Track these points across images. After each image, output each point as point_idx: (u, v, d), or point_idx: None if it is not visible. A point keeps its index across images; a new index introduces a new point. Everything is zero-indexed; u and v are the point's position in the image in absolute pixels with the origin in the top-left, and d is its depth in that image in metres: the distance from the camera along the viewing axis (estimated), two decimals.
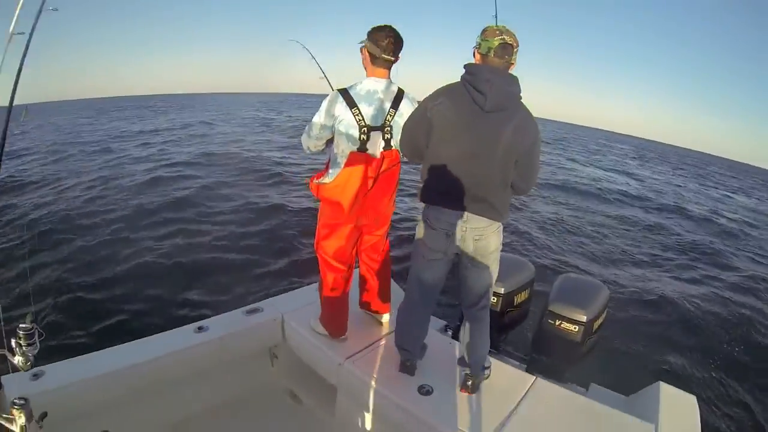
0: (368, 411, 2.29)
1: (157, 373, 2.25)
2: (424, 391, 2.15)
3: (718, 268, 8.12)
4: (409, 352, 2.23)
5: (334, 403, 2.52)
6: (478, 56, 1.87)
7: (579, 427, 2.04)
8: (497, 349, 3.00)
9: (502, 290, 2.85)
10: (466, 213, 1.90)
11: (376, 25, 2.09)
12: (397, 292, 2.78)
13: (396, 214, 2.60)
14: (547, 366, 2.70)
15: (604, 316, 2.98)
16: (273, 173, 11.46)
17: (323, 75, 2.78)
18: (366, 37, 2.08)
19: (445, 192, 1.92)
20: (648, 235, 9.97)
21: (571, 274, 3.30)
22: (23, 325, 1.13)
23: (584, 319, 2.72)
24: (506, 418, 2.01)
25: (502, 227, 2.00)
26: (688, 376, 4.22)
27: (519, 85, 1.84)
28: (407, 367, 2.24)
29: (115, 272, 5.48)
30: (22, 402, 1.09)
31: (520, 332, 3.23)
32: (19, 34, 1.22)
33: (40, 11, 1.19)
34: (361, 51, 2.12)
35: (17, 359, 1.13)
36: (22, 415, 1.09)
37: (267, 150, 15.30)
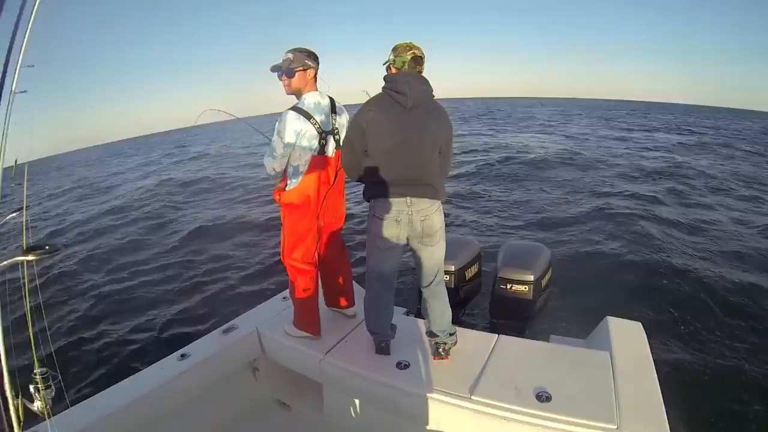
0: (354, 396, 2.46)
1: (152, 409, 2.29)
2: (402, 366, 2.33)
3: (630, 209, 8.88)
4: (381, 334, 2.42)
5: (321, 400, 2.66)
6: (393, 70, 2.14)
7: (544, 368, 2.25)
8: (459, 323, 3.21)
9: (452, 268, 3.10)
10: (409, 198, 2.11)
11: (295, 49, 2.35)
12: (358, 289, 2.94)
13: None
14: (508, 327, 2.91)
15: (550, 273, 3.26)
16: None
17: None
18: (294, 61, 2.31)
19: (388, 182, 2.13)
20: (574, 192, 10.59)
21: (512, 241, 3.54)
22: (38, 370, 1.14)
23: (532, 278, 2.99)
24: (479, 374, 2.21)
25: (441, 206, 2.24)
26: (633, 307, 4.58)
27: (431, 85, 2.13)
28: (383, 348, 2.43)
29: (91, 309, 5.75)
30: None
31: (478, 304, 3.43)
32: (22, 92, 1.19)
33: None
34: (292, 74, 2.33)
35: (36, 405, 1.14)
36: None
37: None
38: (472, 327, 3.04)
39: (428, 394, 2.14)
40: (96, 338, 4.99)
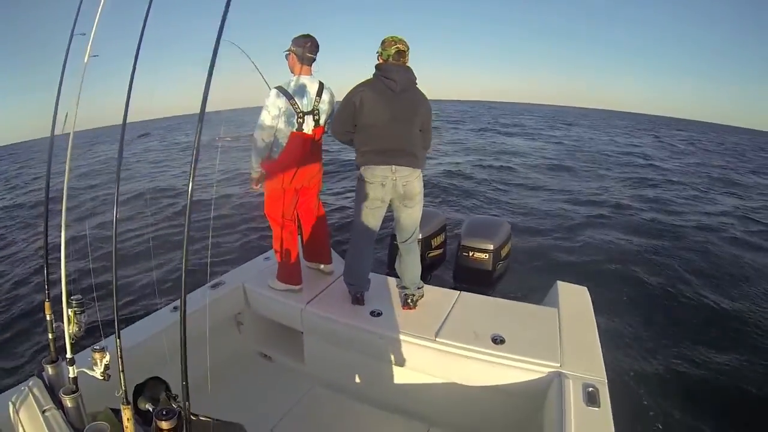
0: (332, 341, 2.73)
1: (149, 353, 2.45)
2: (375, 313, 2.63)
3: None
4: (357, 286, 2.73)
5: (302, 351, 2.92)
6: (381, 60, 2.48)
7: (499, 318, 2.56)
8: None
9: (420, 236, 3.26)
10: (394, 166, 2.44)
11: (297, 35, 2.62)
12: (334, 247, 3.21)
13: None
14: (469, 291, 3.11)
15: (509, 244, 3.54)
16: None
17: (256, 68, 2.97)
18: (291, 44, 2.61)
19: (376, 152, 2.46)
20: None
21: (476, 215, 3.77)
22: (75, 297, 1.31)
23: (491, 247, 3.27)
24: (443, 322, 2.53)
25: (422, 174, 2.58)
26: (585, 273, 5.22)
27: (414, 74, 2.49)
28: (358, 299, 2.74)
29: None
30: (101, 347, 1.27)
31: (444, 271, 3.65)
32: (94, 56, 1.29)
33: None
34: (288, 57, 2.65)
35: (72, 328, 1.31)
36: (105, 356, 1.26)
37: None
38: None
39: (398, 337, 2.44)
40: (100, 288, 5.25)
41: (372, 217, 2.58)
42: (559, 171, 13.44)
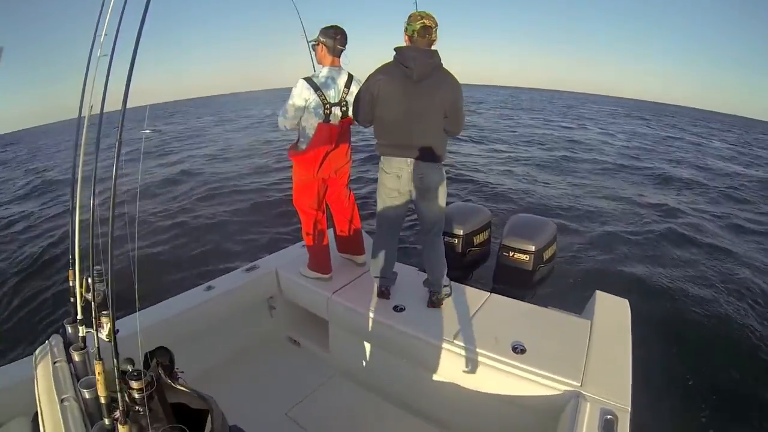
0: (355, 332, 2.76)
1: (180, 328, 2.63)
2: (399, 309, 2.62)
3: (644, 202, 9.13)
4: (383, 279, 2.73)
5: (327, 339, 2.98)
6: (406, 38, 2.35)
7: (525, 325, 2.47)
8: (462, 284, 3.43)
9: (461, 232, 3.31)
10: (410, 158, 2.39)
11: (325, 26, 2.64)
12: (368, 239, 3.23)
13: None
14: (507, 293, 3.02)
15: (554, 247, 3.40)
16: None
17: (304, 34, 2.99)
18: (320, 35, 2.63)
19: (392, 144, 2.43)
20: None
21: (521, 213, 3.66)
22: (97, 267, 1.39)
23: (533, 248, 3.16)
24: (465, 324, 2.48)
25: (443, 166, 2.51)
26: (639, 289, 4.90)
27: (439, 57, 2.33)
28: (383, 293, 2.74)
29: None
30: (108, 311, 1.30)
31: (486, 269, 3.58)
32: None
33: None
34: (315, 48, 2.69)
35: (90, 295, 1.38)
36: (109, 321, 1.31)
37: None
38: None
39: (417, 335, 2.42)
40: (140, 261, 5.68)
41: (392, 208, 2.55)
42: (638, 172, 12.54)
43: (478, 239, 3.44)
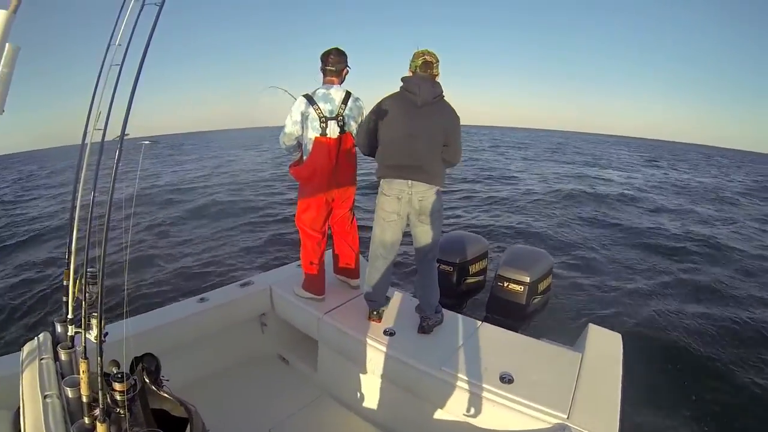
0: (344, 355, 2.76)
1: (171, 337, 2.65)
2: (389, 333, 2.62)
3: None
4: (375, 302, 2.75)
5: (316, 359, 2.98)
6: (410, 73, 2.52)
7: (514, 356, 2.46)
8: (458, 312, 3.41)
9: (457, 260, 3.34)
10: (410, 181, 2.47)
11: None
12: (364, 263, 3.22)
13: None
14: (499, 323, 3.01)
15: (549, 279, 3.40)
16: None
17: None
18: (321, 63, 2.80)
19: (393, 167, 2.50)
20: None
21: (518, 244, 3.65)
22: (91, 269, 1.40)
23: (527, 279, 3.18)
24: (453, 351, 2.47)
25: (440, 191, 2.57)
26: (633, 324, 4.92)
27: (441, 88, 2.49)
28: (374, 316, 2.75)
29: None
30: (98, 313, 1.32)
31: (480, 299, 3.62)
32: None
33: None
34: (320, 70, 2.83)
35: (83, 295, 1.39)
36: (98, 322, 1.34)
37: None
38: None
39: (406, 360, 2.41)
40: (136, 270, 5.89)
41: (388, 230, 2.59)
42: (639, 206, 12.74)
43: (474, 269, 3.45)
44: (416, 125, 2.42)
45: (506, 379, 2.21)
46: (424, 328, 2.63)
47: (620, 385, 2.24)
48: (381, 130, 2.49)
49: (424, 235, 2.58)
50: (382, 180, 2.55)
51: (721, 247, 8.64)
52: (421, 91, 2.40)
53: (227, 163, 21.75)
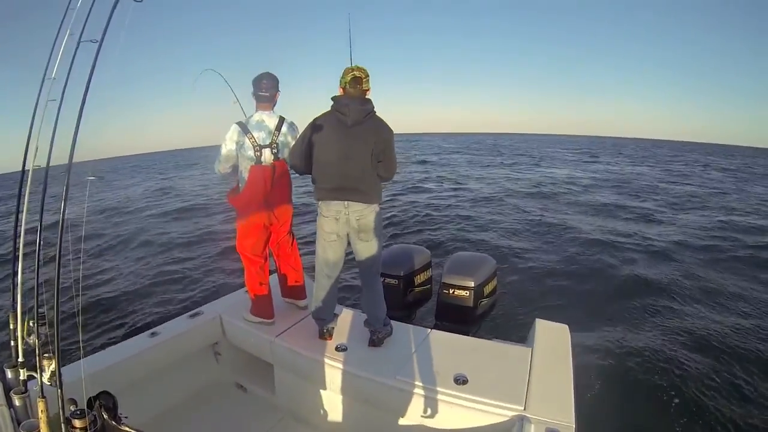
0: (300, 375, 2.79)
1: (125, 374, 2.60)
2: (341, 349, 2.67)
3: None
4: (324, 320, 2.79)
5: (273, 383, 2.98)
6: (341, 89, 2.55)
7: (466, 358, 2.53)
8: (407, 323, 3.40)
9: (401, 273, 3.39)
10: (347, 201, 2.51)
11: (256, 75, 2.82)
12: (310, 283, 3.24)
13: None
14: (451, 330, 3.07)
15: (494, 282, 3.48)
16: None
17: (236, 100, 3.14)
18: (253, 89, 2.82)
19: (329, 189, 2.55)
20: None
21: (461, 252, 3.71)
22: (40, 310, 1.40)
23: (472, 284, 3.24)
24: (406, 360, 2.53)
25: (378, 208, 2.62)
26: (580, 314, 5.11)
27: (372, 104, 2.54)
28: (324, 333, 2.79)
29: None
30: (50, 354, 1.33)
31: (429, 308, 3.64)
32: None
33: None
34: (252, 96, 2.84)
35: (32, 339, 1.42)
36: (51, 363, 1.33)
37: None
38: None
39: (360, 374, 2.46)
40: (85, 309, 5.72)
41: (330, 251, 2.64)
42: (584, 205, 13.26)
43: (419, 279, 3.51)
44: (349, 146, 2.46)
45: (460, 381, 2.28)
46: (374, 342, 2.69)
47: (572, 372, 2.35)
48: (315, 151, 2.52)
49: (365, 252, 2.64)
50: (320, 202, 2.59)
51: (653, 237, 9.24)
52: (351, 111, 2.45)
53: (166, 187, 21.15)
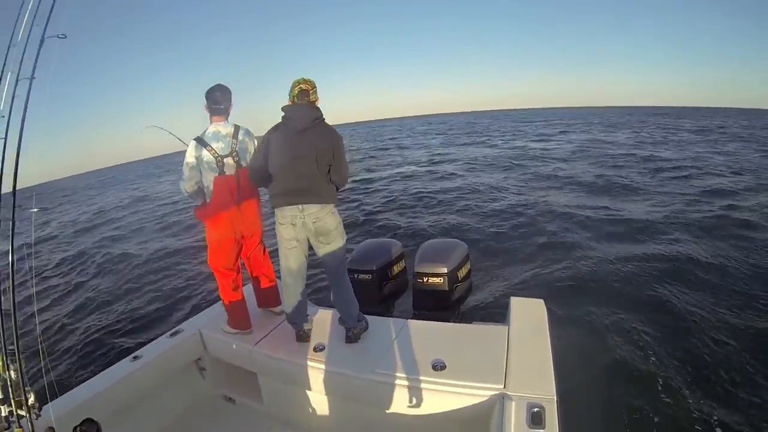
0: (283, 380, 2.83)
1: (111, 402, 2.59)
2: (319, 349, 2.71)
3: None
4: (298, 324, 2.83)
5: (259, 391, 3.01)
6: (289, 101, 2.63)
7: (443, 344, 2.58)
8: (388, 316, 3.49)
9: (374, 267, 3.43)
10: (301, 205, 2.55)
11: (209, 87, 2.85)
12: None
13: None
14: (431, 318, 3.12)
15: (467, 266, 3.55)
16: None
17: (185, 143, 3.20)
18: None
19: (282, 194, 2.59)
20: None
21: (431, 240, 3.78)
22: (10, 347, 1.39)
23: (445, 270, 3.31)
24: (383, 353, 2.58)
25: (334, 208, 2.68)
26: (554, 287, 5.22)
27: (319, 111, 2.62)
28: (301, 336, 2.83)
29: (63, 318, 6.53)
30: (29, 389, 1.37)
31: (406, 298, 3.67)
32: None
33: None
34: (205, 109, 2.86)
35: (10, 374, 1.41)
36: (30, 396, 1.37)
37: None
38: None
39: (340, 371, 2.51)
40: (64, 342, 5.68)
41: (292, 257, 2.68)
42: (551, 180, 13.32)
43: (393, 271, 3.56)
44: (299, 149, 2.51)
45: (439, 366, 2.33)
46: (350, 338, 2.74)
47: (550, 347, 2.39)
48: (269, 159, 2.57)
49: (328, 254, 2.68)
50: (275, 209, 2.63)
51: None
52: (299, 117, 2.53)
53: (130, 203, 20.69)
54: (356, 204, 10.96)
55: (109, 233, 13.34)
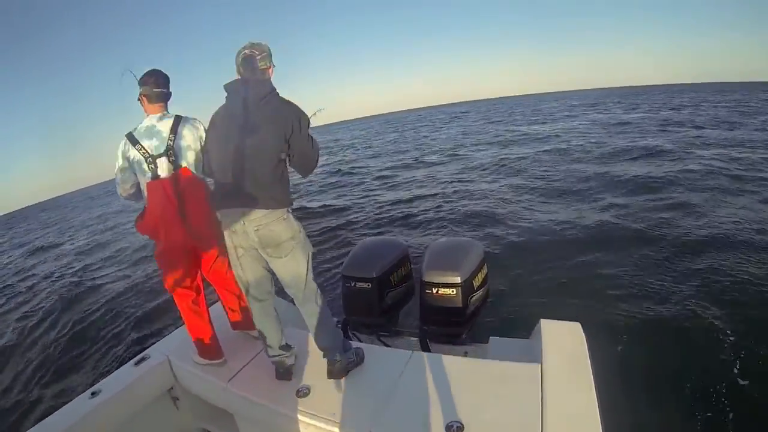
0: (261, 426, 2.35)
1: None
2: (302, 393, 2.21)
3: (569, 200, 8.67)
4: (276, 357, 2.32)
5: (237, 428, 2.59)
6: (237, 75, 2.08)
7: (460, 390, 1.99)
8: (388, 331, 3.03)
9: (373, 274, 2.88)
10: (242, 209, 2.01)
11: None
12: None
13: None
14: (440, 334, 2.70)
15: (484, 271, 3.00)
16: None
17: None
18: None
19: (222, 195, 2.08)
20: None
21: (440, 239, 3.22)
22: None
23: (459, 280, 2.77)
24: (384, 402, 2.04)
25: (287, 214, 2.09)
26: (588, 305, 4.37)
27: (269, 86, 2.04)
28: (281, 374, 2.34)
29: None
30: None
31: (413, 307, 3.15)
32: None
33: None
34: (139, 100, 2.33)
35: None
36: None
37: None
38: (401, 334, 2.94)
39: (327, 427, 1.99)
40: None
41: (242, 267, 2.16)
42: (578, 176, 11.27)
43: (396, 277, 3.06)
44: (240, 139, 1.97)
45: (454, 427, 1.79)
46: (332, 373, 2.23)
47: (593, 388, 1.87)
48: (206, 149, 2.12)
49: (282, 270, 2.14)
50: (217, 212, 2.12)
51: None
52: (241, 96, 1.99)
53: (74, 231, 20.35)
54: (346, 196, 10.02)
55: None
